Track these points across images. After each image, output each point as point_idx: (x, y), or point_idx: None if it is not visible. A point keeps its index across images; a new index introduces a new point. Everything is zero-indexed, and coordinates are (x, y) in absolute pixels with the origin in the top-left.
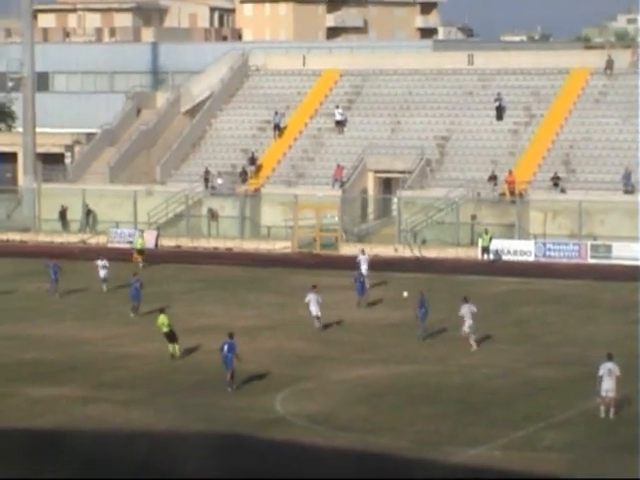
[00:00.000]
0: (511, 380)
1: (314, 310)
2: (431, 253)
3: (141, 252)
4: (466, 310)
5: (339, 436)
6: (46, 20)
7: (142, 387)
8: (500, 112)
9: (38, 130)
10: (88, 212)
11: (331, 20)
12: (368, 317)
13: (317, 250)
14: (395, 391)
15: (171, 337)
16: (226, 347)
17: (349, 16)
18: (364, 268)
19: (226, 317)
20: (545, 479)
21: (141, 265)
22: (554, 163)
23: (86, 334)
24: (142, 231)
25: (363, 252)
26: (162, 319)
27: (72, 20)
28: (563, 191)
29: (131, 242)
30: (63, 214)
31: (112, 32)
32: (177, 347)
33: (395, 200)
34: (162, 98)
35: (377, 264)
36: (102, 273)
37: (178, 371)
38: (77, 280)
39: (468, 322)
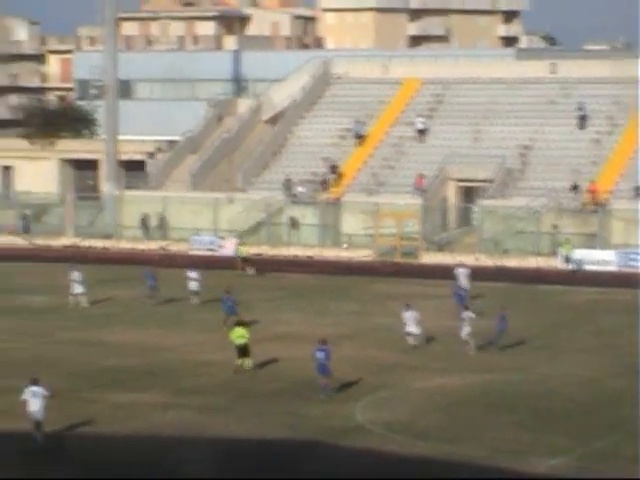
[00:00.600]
0: (591, 390)
1: (414, 330)
2: (512, 262)
3: (246, 260)
4: (466, 315)
5: (417, 445)
6: (129, 28)
7: (222, 394)
8: (582, 121)
9: (120, 137)
10: (161, 219)
11: (413, 28)
12: (449, 325)
13: (397, 258)
14: (474, 400)
15: (245, 351)
16: (321, 354)
17: (431, 25)
18: (464, 281)
19: (305, 325)
20: (544, 479)
21: (250, 272)
22: (636, 172)
23: (168, 341)
24: (232, 237)
25: (462, 265)
26: (240, 331)
27: (155, 28)
28: None
29: (212, 249)
30: (144, 221)
31: (195, 40)
32: (248, 361)
33: (476, 209)
34: (244, 106)
35: None
36: (193, 285)
37: (258, 379)
38: (159, 287)
39: (466, 329)
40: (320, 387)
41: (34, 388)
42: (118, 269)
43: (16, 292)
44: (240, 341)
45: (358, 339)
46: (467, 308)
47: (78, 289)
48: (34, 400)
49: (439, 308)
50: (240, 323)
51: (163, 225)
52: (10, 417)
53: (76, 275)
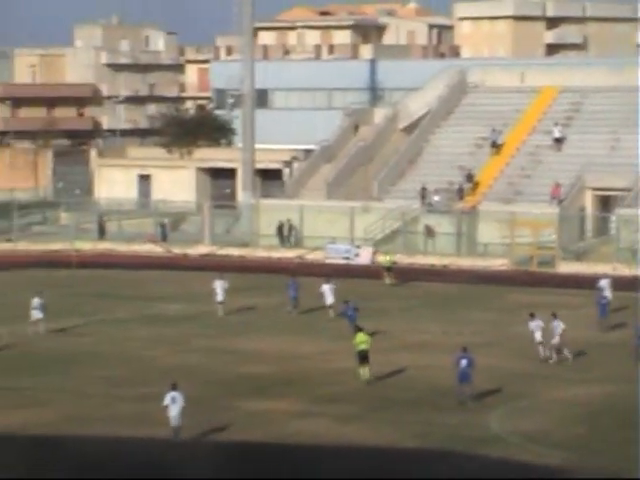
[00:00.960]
0: None
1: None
2: None
3: (389, 269)
4: (535, 325)
5: (555, 455)
6: (266, 38)
7: (357, 402)
8: None
9: (257, 146)
10: (290, 227)
11: (550, 37)
12: (586, 335)
13: (534, 268)
14: (612, 411)
15: (365, 357)
16: (465, 362)
17: (568, 33)
18: (607, 292)
19: (441, 334)
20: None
21: (388, 282)
22: None
23: (303, 349)
24: (359, 246)
25: (606, 276)
26: (362, 337)
27: (292, 38)
28: None
29: (348, 258)
30: (281, 229)
31: (331, 49)
32: (367, 369)
33: (613, 218)
34: (380, 115)
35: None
36: (329, 300)
37: (392, 387)
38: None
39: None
40: (456, 394)
41: (173, 393)
42: (254, 277)
43: (153, 300)
44: (362, 347)
45: (494, 348)
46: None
47: (219, 297)
48: (173, 406)
49: (576, 318)
50: (360, 329)
51: (293, 233)
52: (148, 424)
53: (220, 284)
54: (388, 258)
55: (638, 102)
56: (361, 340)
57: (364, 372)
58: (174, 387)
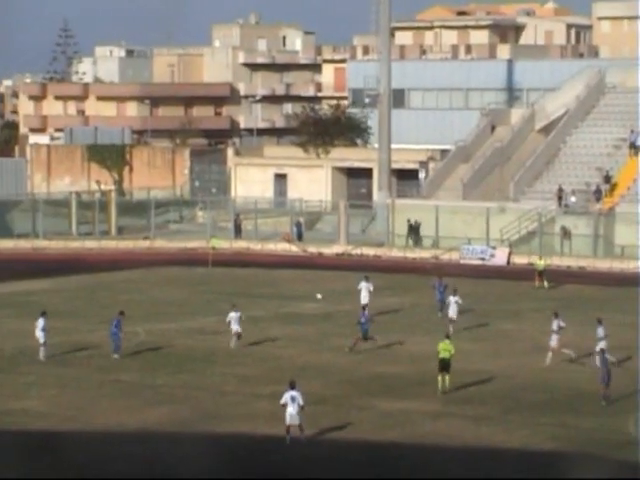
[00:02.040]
0: None
1: None
2: None
3: (541, 273)
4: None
5: None
6: (403, 37)
7: (492, 404)
8: None
9: (393, 146)
10: (410, 227)
11: None
12: None
13: None
14: None
15: (446, 366)
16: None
17: None
18: None
19: (576, 336)
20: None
21: (537, 285)
22: None
23: (435, 349)
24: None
25: None
26: (445, 344)
27: (429, 37)
28: None
29: (483, 259)
30: (415, 229)
31: (468, 49)
32: (447, 378)
33: None
34: (516, 115)
35: None
36: (365, 300)
37: (528, 389)
38: (428, 295)
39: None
40: (601, 396)
41: (292, 392)
42: (390, 277)
43: (288, 299)
44: (442, 355)
45: (630, 351)
46: (557, 316)
47: (364, 300)
48: (292, 404)
49: None
50: (447, 337)
51: (417, 232)
52: (284, 422)
53: (365, 286)
54: (541, 262)
55: None
56: (443, 348)
57: (444, 379)
58: (292, 386)
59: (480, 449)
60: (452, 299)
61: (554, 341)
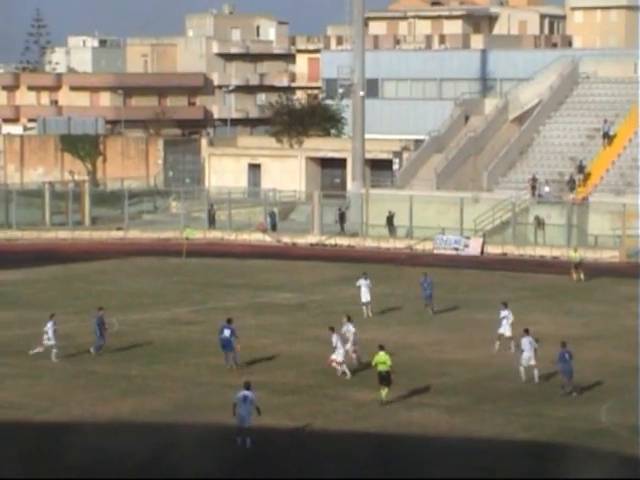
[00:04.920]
0: None
1: None
2: None
3: (578, 266)
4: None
5: None
6: (377, 27)
7: (465, 394)
8: None
9: (367, 136)
10: (388, 218)
11: None
12: None
13: None
14: None
15: (386, 379)
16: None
17: None
18: None
19: (552, 326)
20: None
21: (576, 278)
22: None
23: (411, 339)
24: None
25: None
26: (381, 357)
27: (403, 27)
28: None
29: (457, 249)
30: (390, 220)
31: (441, 39)
32: (385, 392)
33: None
34: (490, 105)
35: None
36: (365, 297)
37: (501, 378)
38: (402, 285)
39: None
40: (562, 385)
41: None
42: (364, 267)
43: (262, 289)
44: (380, 368)
45: (603, 341)
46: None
47: (365, 297)
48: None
49: None
50: (381, 348)
51: (392, 222)
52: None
53: (365, 284)
54: (576, 254)
55: None
56: (380, 361)
57: (384, 392)
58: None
59: (456, 439)
60: (362, 282)
61: (504, 328)
